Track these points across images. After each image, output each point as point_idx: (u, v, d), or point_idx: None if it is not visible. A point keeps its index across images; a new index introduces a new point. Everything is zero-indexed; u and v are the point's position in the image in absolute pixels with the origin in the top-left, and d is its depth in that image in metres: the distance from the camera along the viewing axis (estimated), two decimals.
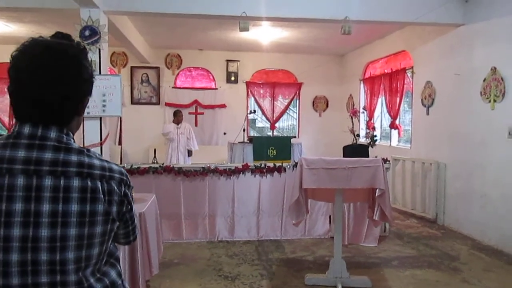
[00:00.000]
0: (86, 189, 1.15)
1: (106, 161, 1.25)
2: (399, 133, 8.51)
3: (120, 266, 1.35)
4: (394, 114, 8.36)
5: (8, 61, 1.19)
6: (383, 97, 8.87)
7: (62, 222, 1.12)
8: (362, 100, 9.95)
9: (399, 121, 8.45)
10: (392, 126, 8.49)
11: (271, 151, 7.37)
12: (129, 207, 1.30)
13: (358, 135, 6.16)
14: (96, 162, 1.20)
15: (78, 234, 1.14)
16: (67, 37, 1.24)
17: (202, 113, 10.82)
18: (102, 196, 1.18)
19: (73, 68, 1.19)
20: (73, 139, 1.24)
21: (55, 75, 1.15)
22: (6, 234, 1.09)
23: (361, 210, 5.49)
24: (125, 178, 1.27)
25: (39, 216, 1.10)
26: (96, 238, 1.18)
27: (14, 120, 1.20)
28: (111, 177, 1.22)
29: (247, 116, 9.13)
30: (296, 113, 11.56)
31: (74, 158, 1.16)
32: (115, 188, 1.22)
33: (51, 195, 1.12)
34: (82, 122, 5.61)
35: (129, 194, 1.29)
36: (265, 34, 8.52)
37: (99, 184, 1.18)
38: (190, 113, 10.63)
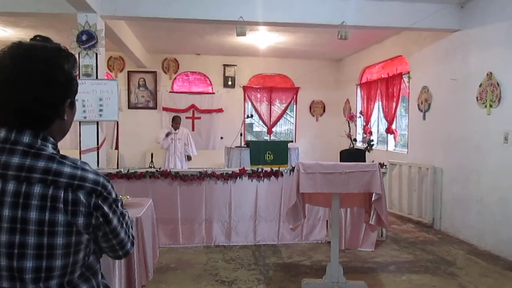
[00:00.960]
0: (46, 197, 1.11)
1: (84, 169, 1.19)
2: (394, 138, 8.53)
3: (97, 280, 1.29)
4: (390, 119, 8.38)
5: None
6: (380, 102, 8.90)
7: (20, 229, 1.10)
8: (358, 105, 9.97)
9: (396, 126, 8.47)
10: (388, 130, 8.52)
11: (268, 155, 7.37)
12: (105, 219, 1.22)
13: (355, 140, 6.16)
14: (66, 169, 1.15)
15: (37, 243, 1.10)
16: (46, 40, 1.22)
17: (199, 118, 10.82)
18: (63, 206, 1.12)
19: (45, 72, 1.15)
20: (53, 144, 1.21)
21: (25, 80, 1.13)
22: None
23: (358, 216, 5.50)
24: (99, 188, 1.19)
25: (0, 221, 1.09)
26: (58, 250, 1.13)
27: None
28: (80, 187, 1.15)
29: (244, 121, 9.14)
30: (293, 117, 11.58)
31: (40, 164, 1.13)
32: (82, 198, 1.15)
33: (12, 200, 1.10)
34: (79, 126, 5.62)
35: (104, 206, 1.20)
36: (262, 39, 8.55)
37: (61, 193, 1.12)
38: (187, 118, 10.62)
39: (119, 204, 1.29)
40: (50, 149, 1.18)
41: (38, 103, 1.16)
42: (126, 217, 1.34)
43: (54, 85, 1.17)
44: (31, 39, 1.22)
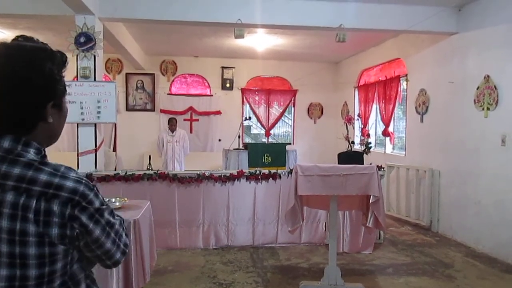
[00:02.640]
0: (18, 206, 1.07)
1: (63, 176, 1.13)
2: (390, 140, 8.54)
3: None
4: (387, 121, 8.40)
5: None
6: (377, 104, 8.91)
7: None
8: (356, 107, 9.99)
9: (393, 129, 8.49)
10: (385, 133, 8.53)
11: (266, 157, 7.37)
12: (85, 230, 1.15)
13: (353, 142, 6.18)
14: (42, 177, 1.10)
15: (9, 251, 1.08)
16: (28, 39, 1.17)
17: (197, 120, 10.82)
18: (33, 216, 1.07)
19: (20, 75, 1.11)
20: (37, 149, 1.16)
21: (0, 84, 1.10)
22: None
23: (356, 220, 5.49)
24: (77, 198, 1.12)
25: None
26: (31, 260, 1.09)
27: None
28: (54, 196, 1.09)
29: (242, 123, 9.12)
30: (291, 120, 11.59)
31: (16, 171, 1.09)
32: (55, 208, 1.09)
33: None
34: (77, 128, 5.61)
35: (81, 217, 1.13)
36: (260, 41, 8.55)
37: (33, 202, 1.08)
38: (185, 120, 10.63)
39: (106, 213, 1.21)
40: (31, 154, 1.13)
41: (14, 107, 1.12)
42: (116, 225, 1.27)
43: (31, 88, 1.12)
44: (12, 40, 1.17)
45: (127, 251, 1.34)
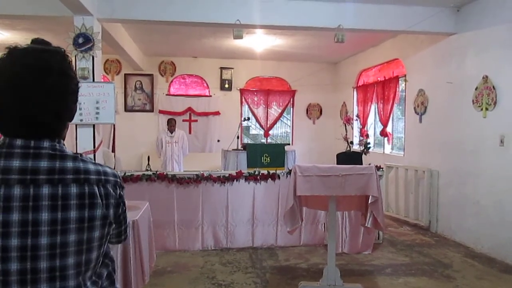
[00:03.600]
0: (84, 195, 1.15)
1: (100, 165, 1.25)
2: (388, 140, 8.55)
3: (113, 264, 1.36)
4: (384, 121, 8.41)
5: None
6: (376, 105, 8.92)
7: (61, 230, 1.11)
8: (355, 108, 9.99)
9: (392, 129, 8.50)
10: (382, 133, 8.54)
11: (265, 158, 7.38)
12: (124, 208, 1.31)
13: (352, 143, 6.18)
14: (91, 167, 1.20)
15: (78, 240, 1.14)
16: (46, 43, 1.19)
17: (196, 121, 10.81)
18: (100, 200, 1.18)
19: (60, 84, 1.15)
20: (64, 144, 1.23)
21: (42, 95, 1.12)
22: (4, 244, 1.08)
23: (356, 220, 5.49)
24: (119, 180, 1.28)
25: (37, 225, 1.09)
26: (95, 242, 1.18)
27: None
28: (107, 181, 1.22)
29: (241, 124, 9.13)
30: (289, 120, 11.59)
31: (70, 164, 1.15)
32: (111, 191, 1.22)
33: (49, 203, 1.11)
34: (75, 129, 5.61)
35: (123, 195, 1.30)
36: (259, 41, 8.56)
37: (96, 189, 1.18)
38: (184, 121, 10.62)
39: None
40: (67, 150, 1.21)
41: (56, 115, 1.17)
42: None
43: (68, 95, 1.19)
44: (31, 42, 1.19)
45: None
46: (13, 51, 1.14)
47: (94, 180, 1.18)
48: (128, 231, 1.46)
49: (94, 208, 1.17)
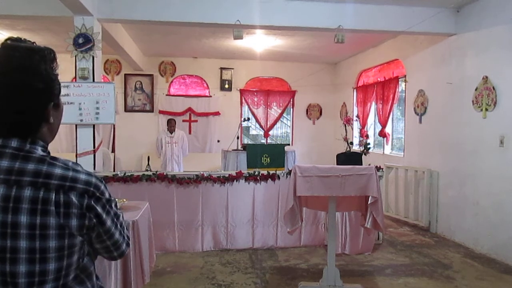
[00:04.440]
0: (37, 200, 1.09)
1: (75, 170, 1.17)
2: (386, 141, 8.55)
3: (92, 282, 1.27)
4: (383, 122, 8.41)
5: None
6: (376, 105, 8.92)
7: (11, 234, 1.07)
8: (355, 108, 9.99)
9: (392, 129, 8.50)
10: (381, 134, 8.54)
11: (265, 158, 7.37)
12: (98, 220, 1.20)
13: (352, 143, 6.17)
14: (57, 171, 1.13)
15: (29, 247, 1.09)
16: (17, 40, 1.16)
17: (196, 121, 10.81)
18: (55, 208, 1.10)
19: (20, 82, 1.11)
20: (43, 146, 1.19)
21: (2, 93, 1.10)
22: None
23: (356, 221, 5.48)
24: (91, 189, 1.17)
25: None
26: (51, 253, 1.11)
27: None
28: (71, 188, 1.13)
29: (241, 124, 9.13)
30: (289, 120, 11.59)
31: (30, 166, 1.11)
32: (74, 200, 1.13)
33: (1, 205, 1.08)
34: (75, 129, 5.61)
35: (97, 207, 1.18)
36: (259, 42, 8.56)
37: (53, 195, 1.10)
38: (183, 121, 10.62)
39: (113, 205, 1.27)
40: (39, 151, 1.16)
41: (20, 115, 1.13)
42: (121, 217, 1.33)
43: (33, 93, 1.14)
44: (2, 43, 1.17)
45: (130, 243, 1.39)
46: None
47: (53, 185, 1.11)
48: (122, 248, 1.35)
49: (47, 215, 1.09)
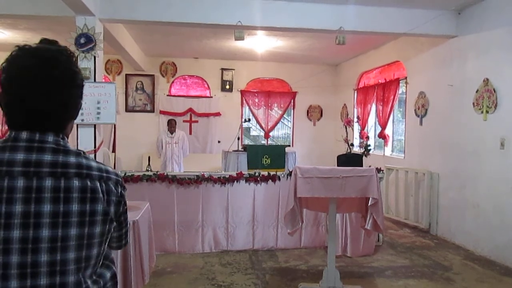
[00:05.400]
0: (86, 189, 1.17)
1: (102, 163, 1.28)
2: (385, 143, 8.55)
3: (115, 268, 1.37)
4: (383, 123, 8.41)
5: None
6: (377, 107, 8.92)
7: (63, 223, 1.13)
8: (356, 110, 9.99)
9: (392, 131, 8.50)
10: (380, 135, 8.54)
11: (265, 159, 7.37)
12: (125, 208, 1.33)
13: (352, 145, 6.18)
14: (94, 164, 1.23)
15: (79, 234, 1.15)
16: (53, 43, 1.24)
17: (197, 121, 10.81)
18: (102, 195, 1.20)
19: (66, 76, 1.20)
20: (68, 142, 1.26)
21: (49, 86, 1.16)
22: (6, 236, 1.09)
23: (356, 223, 5.48)
24: (120, 179, 1.30)
25: (39, 217, 1.11)
26: (96, 238, 1.19)
27: (6, 127, 1.21)
28: (109, 178, 1.24)
29: (241, 125, 9.14)
30: (290, 122, 11.59)
31: (72, 159, 1.18)
32: (113, 188, 1.25)
33: (51, 195, 1.13)
34: (76, 129, 5.62)
35: (124, 195, 1.32)
36: (260, 43, 8.56)
37: (98, 184, 1.20)
38: (184, 121, 10.62)
39: None
40: (70, 146, 1.24)
41: (62, 107, 1.21)
42: None
43: (74, 88, 1.23)
44: (39, 42, 1.24)
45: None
46: (23, 48, 1.19)
47: (96, 176, 1.21)
48: (128, 236, 1.47)
49: (96, 202, 1.19)
